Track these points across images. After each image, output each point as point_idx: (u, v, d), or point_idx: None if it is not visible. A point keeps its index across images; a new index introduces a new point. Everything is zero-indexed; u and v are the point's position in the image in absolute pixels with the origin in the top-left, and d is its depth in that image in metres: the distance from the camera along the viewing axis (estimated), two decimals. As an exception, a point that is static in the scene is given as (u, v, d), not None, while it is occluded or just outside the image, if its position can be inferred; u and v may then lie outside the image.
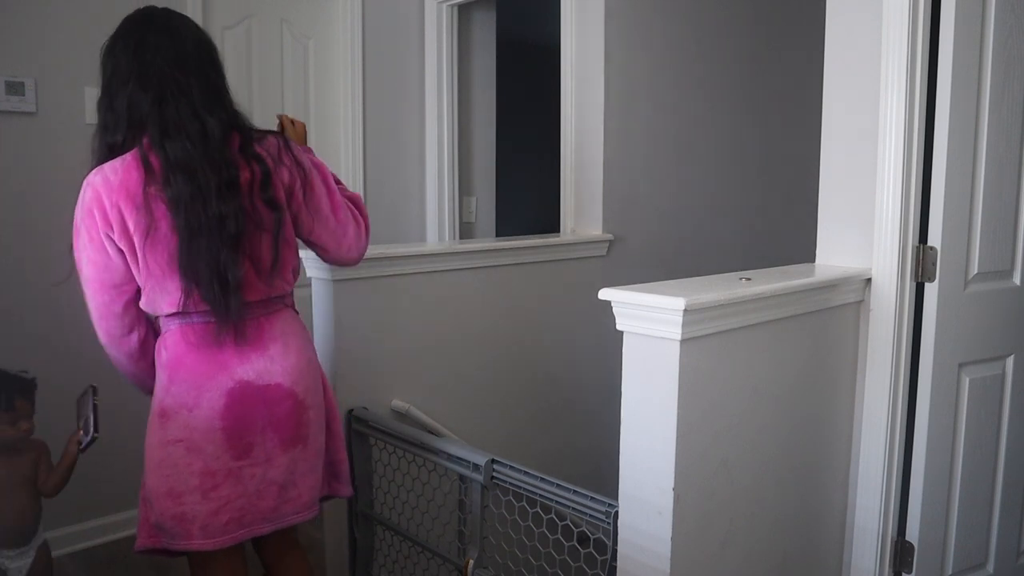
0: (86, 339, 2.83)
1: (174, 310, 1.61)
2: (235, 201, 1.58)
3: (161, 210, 1.55)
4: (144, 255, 1.57)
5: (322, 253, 1.83)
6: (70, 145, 2.79)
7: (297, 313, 1.81)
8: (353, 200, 1.85)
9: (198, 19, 3.03)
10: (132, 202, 1.54)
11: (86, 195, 1.59)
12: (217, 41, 3.10)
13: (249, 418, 1.63)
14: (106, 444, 2.90)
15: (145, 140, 1.57)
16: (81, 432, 1.86)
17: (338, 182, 1.86)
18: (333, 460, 1.86)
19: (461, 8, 3.72)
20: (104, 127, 1.61)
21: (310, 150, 1.86)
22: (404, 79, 3.67)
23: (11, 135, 2.68)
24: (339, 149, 3.55)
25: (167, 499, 1.61)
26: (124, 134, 1.59)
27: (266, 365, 1.65)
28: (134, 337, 1.71)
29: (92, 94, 2.78)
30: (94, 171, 1.60)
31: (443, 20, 3.66)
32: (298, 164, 1.70)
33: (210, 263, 1.55)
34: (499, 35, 3.98)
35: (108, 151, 1.60)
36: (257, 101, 3.27)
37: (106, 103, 1.61)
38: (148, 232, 1.54)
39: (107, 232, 1.57)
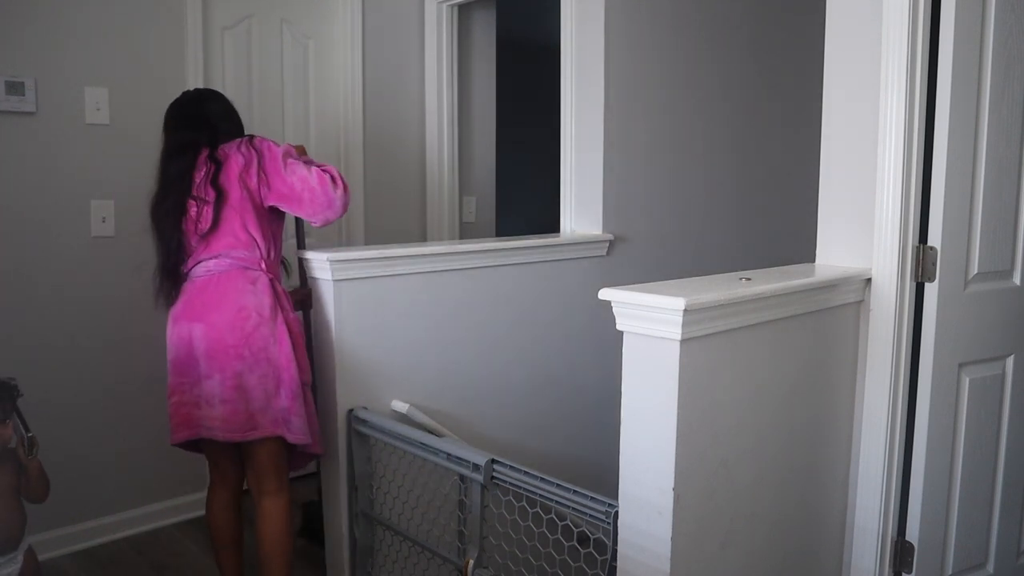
0: (84, 339, 2.85)
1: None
2: (183, 198, 2.17)
3: None
4: None
5: (297, 210, 2.21)
6: (70, 145, 2.79)
7: (268, 277, 2.20)
8: (322, 166, 2.25)
9: (198, 19, 3.04)
10: None
11: None
12: (217, 41, 3.15)
13: (183, 349, 2.15)
14: (107, 446, 2.91)
15: None
16: (20, 443, 1.89)
17: (309, 161, 2.27)
18: (283, 408, 2.15)
19: (461, 8, 3.72)
20: None
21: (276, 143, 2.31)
22: (404, 79, 3.68)
23: (11, 135, 2.67)
24: (339, 149, 3.55)
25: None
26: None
27: (201, 308, 2.14)
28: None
29: (92, 94, 2.81)
30: None
31: (443, 20, 3.66)
32: (255, 150, 2.20)
33: (165, 239, 2.19)
34: (499, 35, 3.97)
35: None
36: (257, 101, 3.27)
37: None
38: None
39: None
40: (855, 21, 1.95)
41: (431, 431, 2.30)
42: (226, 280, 2.16)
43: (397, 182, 3.70)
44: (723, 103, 3.38)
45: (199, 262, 2.18)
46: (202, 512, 3.10)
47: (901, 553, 2.01)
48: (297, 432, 2.14)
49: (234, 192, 2.16)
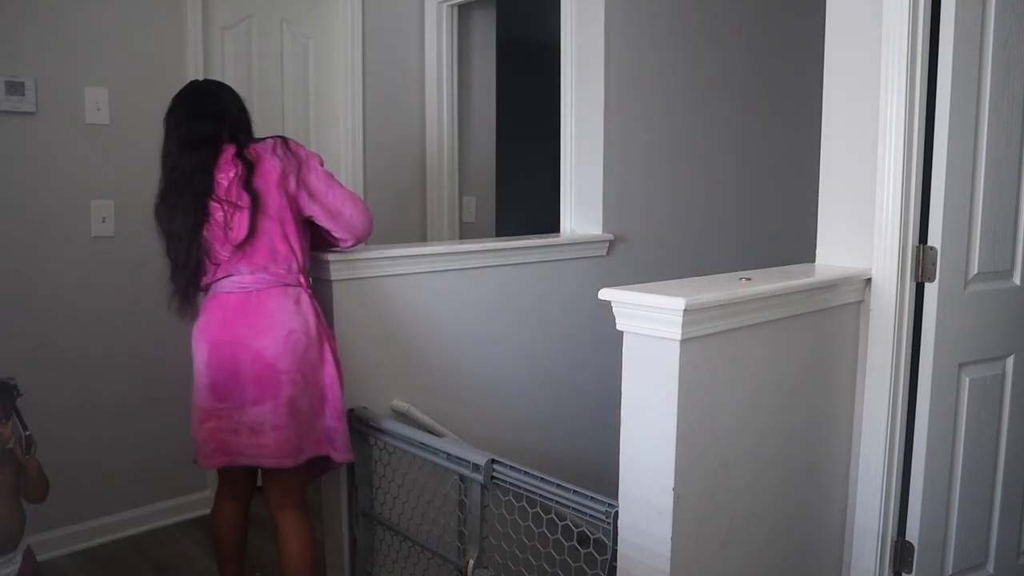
0: (84, 339, 2.85)
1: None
2: (202, 198, 1.99)
3: None
4: None
5: (329, 228, 2.13)
6: (70, 145, 2.79)
7: (307, 294, 2.10)
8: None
9: (198, 19, 3.04)
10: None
11: None
12: (217, 41, 3.16)
13: (225, 370, 2.01)
14: (106, 446, 2.91)
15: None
16: (19, 442, 1.88)
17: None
18: (327, 427, 2.10)
19: (461, 8, 3.72)
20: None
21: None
22: (404, 79, 3.68)
23: (11, 135, 2.67)
24: (339, 149, 3.55)
25: (192, 423, 2.09)
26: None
27: (246, 331, 2.01)
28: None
29: (92, 94, 2.81)
30: None
31: (443, 20, 3.66)
32: (292, 154, 2.07)
33: (183, 241, 2.01)
34: (499, 35, 3.97)
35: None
36: (257, 101, 3.27)
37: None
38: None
39: None
40: (855, 21, 1.95)
41: (431, 431, 2.30)
42: (267, 299, 2.03)
43: (397, 182, 3.70)
44: (723, 103, 3.38)
45: (229, 275, 2.03)
46: (202, 512, 3.11)
47: (901, 553, 2.00)
48: (342, 450, 2.11)
49: (273, 199, 2.01)
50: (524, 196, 4.87)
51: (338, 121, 3.54)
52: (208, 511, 3.15)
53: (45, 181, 2.75)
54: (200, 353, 2.05)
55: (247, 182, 1.99)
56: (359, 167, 3.55)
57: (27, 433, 1.90)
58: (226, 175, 2.00)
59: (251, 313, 2.02)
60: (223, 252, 2.01)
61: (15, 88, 2.65)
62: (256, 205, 1.99)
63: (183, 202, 2.00)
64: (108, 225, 2.88)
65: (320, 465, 2.19)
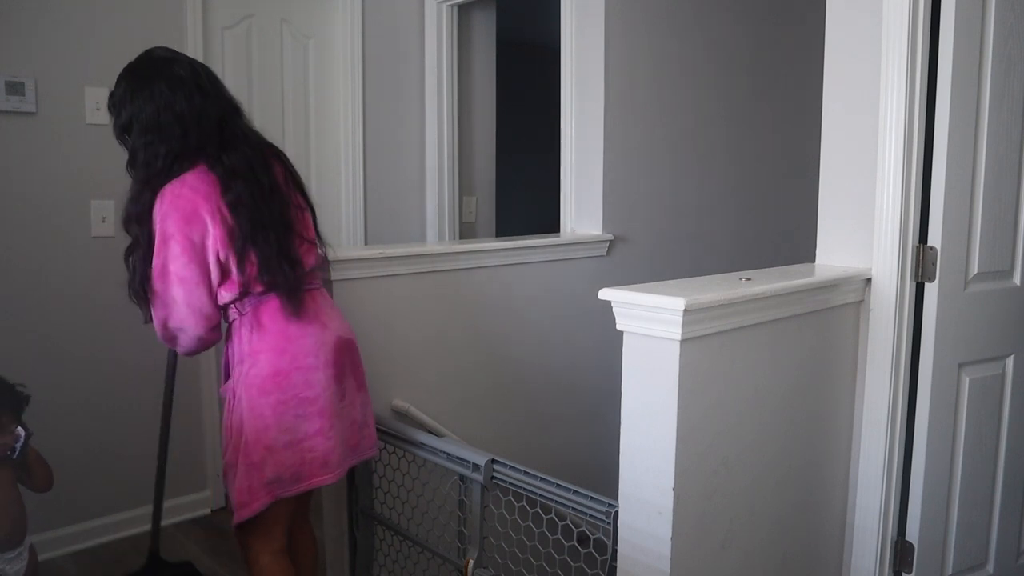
0: (84, 339, 2.85)
1: (261, 289, 1.84)
2: (282, 194, 1.87)
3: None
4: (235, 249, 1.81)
5: None
6: (70, 145, 2.79)
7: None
8: None
9: (198, 19, 3.04)
10: (217, 207, 1.77)
11: (181, 205, 1.76)
12: (217, 41, 3.16)
13: (343, 366, 1.93)
14: (107, 446, 2.91)
15: (206, 156, 1.80)
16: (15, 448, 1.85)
17: None
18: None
19: (461, 8, 3.72)
20: (165, 153, 1.79)
21: None
22: (404, 79, 3.68)
23: (11, 135, 2.68)
24: (339, 149, 3.55)
25: (288, 451, 1.83)
26: (191, 154, 1.80)
27: (341, 323, 1.96)
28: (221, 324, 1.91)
29: (92, 94, 2.81)
30: (176, 183, 1.77)
31: (443, 20, 3.66)
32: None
33: (276, 248, 1.82)
34: (499, 35, 3.98)
35: (168, 171, 1.80)
36: (257, 101, 3.27)
37: (169, 133, 1.79)
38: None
39: (202, 235, 1.77)
40: (855, 23, 1.95)
41: (431, 431, 2.30)
42: (323, 295, 1.99)
43: (397, 182, 3.70)
44: (723, 102, 3.38)
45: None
46: (202, 512, 3.11)
47: (901, 553, 2.01)
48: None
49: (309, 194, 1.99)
50: (524, 196, 4.88)
51: (338, 121, 3.54)
52: (208, 511, 3.17)
53: (45, 181, 2.75)
54: (316, 356, 1.86)
55: (299, 181, 1.98)
56: (359, 167, 3.56)
57: (30, 433, 1.88)
58: (276, 171, 1.95)
59: (323, 306, 1.95)
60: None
61: (15, 88, 2.65)
62: (311, 206, 1.98)
63: (275, 210, 1.90)
64: (108, 225, 2.88)
65: None
